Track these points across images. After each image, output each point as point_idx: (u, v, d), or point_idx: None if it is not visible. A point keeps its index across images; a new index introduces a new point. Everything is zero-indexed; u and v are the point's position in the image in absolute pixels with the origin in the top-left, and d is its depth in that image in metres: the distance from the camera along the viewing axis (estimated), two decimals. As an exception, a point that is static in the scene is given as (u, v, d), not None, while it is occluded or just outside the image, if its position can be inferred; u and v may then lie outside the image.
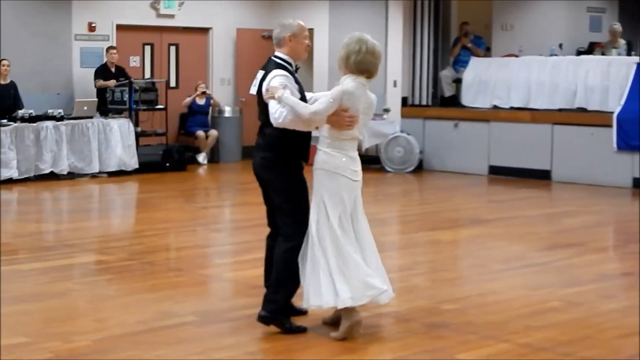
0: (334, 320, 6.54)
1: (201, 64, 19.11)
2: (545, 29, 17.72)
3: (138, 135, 16.61)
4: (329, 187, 6.37)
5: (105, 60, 17.16)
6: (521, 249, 10.11)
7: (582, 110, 15.90)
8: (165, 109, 17.22)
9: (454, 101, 18.15)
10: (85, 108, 16.07)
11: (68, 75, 17.34)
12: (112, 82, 16.77)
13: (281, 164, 6.43)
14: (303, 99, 6.42)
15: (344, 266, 6.30)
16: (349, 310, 6.32)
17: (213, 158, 18.44)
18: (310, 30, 6.82)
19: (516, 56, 17.31)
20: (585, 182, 15.23)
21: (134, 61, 18.35)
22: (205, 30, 19.08)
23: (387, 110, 17.37)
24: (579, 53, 17.40)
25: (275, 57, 6.55)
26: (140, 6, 18.09)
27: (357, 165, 6.49)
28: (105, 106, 16.66)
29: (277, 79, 6.33)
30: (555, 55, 16.82)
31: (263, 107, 6.41)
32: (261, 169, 6.54)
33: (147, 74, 18.42)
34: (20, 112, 15.34)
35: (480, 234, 10.96)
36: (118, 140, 16.11)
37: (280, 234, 6.52)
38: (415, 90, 18.13)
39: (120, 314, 7.09)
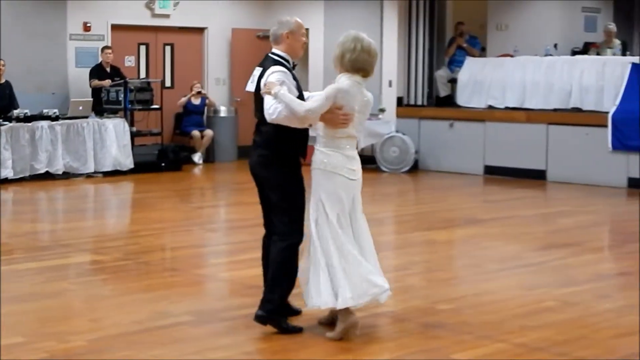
0: (330, 320, 6.55)
1: (196, 63, 19.11)
2: (540, 29, 17.73)
3: (133, 135, 16.60)
4: (326, 186, 6.37)
5: (100, 60, 17.15)
6: (516, 249, 10.11)
7: (577, 110, 15.91)
8: (160, 108, 17.21)
9: (449, 101, 18.16)
10: (81, 108, 16.06)
11: (63, 75, 17.32)
12: (107, 82, 16.76)
13: (278, 161, 6.43)
14: (301, 96, 6.42)
15: (346, 264, 6.30)
16: (346, 312, 6.32)
17: (208, 158, 18.44)
18: (306, 30, 6.79)
19: (511, 56, 17.33)
20: (580, 182, 15.25)
21: (129, 61, 18.34)
22: (200, 30, 19.08)
23: (382, 110, 17.37)
24: (574, 53, 17.41)
25: (273, 54, 6.55)
26: (135, 6, 18.08)
27: (355, 164, 6.48)
28: (101, 106, 16.65)
29: (275, 75, 6.34)
30: (550, 55, 16.84)
31: (260, 105, 6.40)
32: (258, 166, 6.52)
33: (143, 74, 18.41)
34: (16, 112, 15.33)
35: (475, 234, 10.97)
36: (113, 140, 16.10)
37: (275, 232, 6.51)
38: (411, 90, 18.14)
39: (116, 314, 7.09)
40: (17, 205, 13.26)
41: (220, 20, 19.06)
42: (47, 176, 15.29)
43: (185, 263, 9.30)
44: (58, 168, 15.46)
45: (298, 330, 6.51)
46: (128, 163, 16.27)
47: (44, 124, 15.36)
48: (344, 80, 6.40)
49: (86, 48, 17.50)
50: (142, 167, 16.47)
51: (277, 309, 6.50)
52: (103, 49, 17.14)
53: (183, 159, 17.50)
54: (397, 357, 6.13)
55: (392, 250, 10.08)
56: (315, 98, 6.35)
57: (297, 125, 6.30)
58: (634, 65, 15.16)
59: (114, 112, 16.70)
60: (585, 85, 15.82)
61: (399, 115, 17.76)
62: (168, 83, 18.74)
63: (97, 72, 16.95)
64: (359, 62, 6.39)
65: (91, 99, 16.58)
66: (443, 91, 18.40)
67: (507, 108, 16.77)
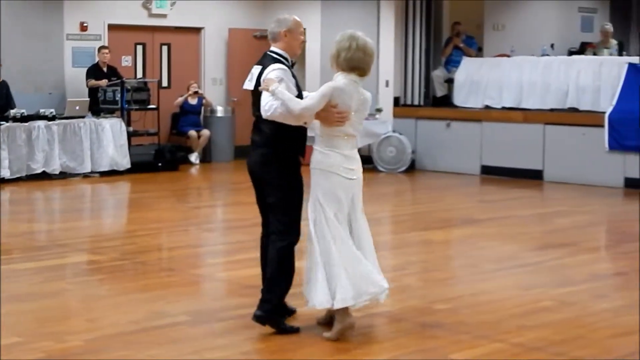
0: (328, 320, 6.54)
1: (193, 63, 19.10)
2: (536, 29, 17.74)
3: (130, 135, 16.59)
4: (323, 186, 6.36)
5: (97, 60, 17.13)
6: (513, 248, 10.12)
7: (573, 110, 15.92)
8: (157, 108, 17.20)
9: (446, 101, 18.17)
10: (77, 108, 16.05)
11: (60, 74, 17.31)
12: (104, 82, 16.75)
13: (279, 160, 6.42)
14: (300, 95, 6.41)
15: (346, 263, 6.29)
16: (343, 312, 6.32)
17: (205, 158, 18.43)
18: (304, 29, 6.79)
19: (508, 56, 17.33)
20: (577, 182, 15.25)
21: (126, 61, 18.33)
22: (197, 30, 19.07)
23: (379, 110, 17.37)
24: (571, 53, 17.43)
25: (272, 52, 6.55)
26: (132, 6, 18.08)
27: (353, 164, 6.47)
28: (97, 106, 16.64)
29: (274, 72, 6.33)
30: (547, 55, 16.84)
31: (258, 102, 6.38)
32: (259, 165, 6.51)
33: (139, 74, 18.40)
34: (12, 112, 15.32)
35: (472, 234, 10.97)
36: (110, 140, 16.09)
37: (273, 232, 6.51)
38: (408, 90, 18.15)
39: (113, 313, 7.08)
40: (14, 205, 13.25)
41: (217, 20, 19.06)
42: (44, 176, 15.29)
43: (182, 263, 9.30)
44: (55, 168, 15.46)
45: (295, 331, 6.51)
46: (125, 163, 16.27)
47: (41, 123, 15.36)
48: (340, 79, 6.40)
49: (83, 48, 17.48)
50: (139, 167, 16.46)
51: (275, 309, 6.50)
52: (100, 48, 17.13)
53: (180, 159, 17.49)
54: (394, 357, 6.13)
55: (389, 250, 10.07)
56: (311, 96, 6.36)
57: (293, 123, 6.30)
58: (630, 65, 15.17)
59: (110, 112, 16.69)
60: (582, 85, 15.82)
61: (395, 115, 17.77)
62: (165, 83, 18.73)
63: (94, 72, 16.94)
64: (354, 61, 6.38)
65: (88, 99, 16.58)
66: (440, 91, 18.40)
67: (503, 108, 16.78)
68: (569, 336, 6.56)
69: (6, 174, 14.72)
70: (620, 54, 16.72)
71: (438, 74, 18.38)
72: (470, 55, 18.05)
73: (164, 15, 18.48)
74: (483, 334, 6.57)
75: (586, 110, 15.70)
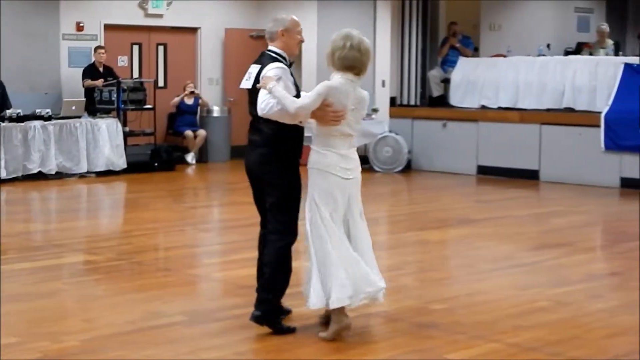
0: (326, 319, 6.53)
1: (189, 63, 19.09)
2: (533, 29, 17.76)
3: (126, 135, 16.58)
4: (320, 185, 6.36)
5: (93, 59, 17.12)
6: (509, 248, 10.12)
7: (570, 110, 15.94)
8: (153, 108, 17.20)
9: (442, 101, 18.18)
10: (73, 108, 16.04)
11: (56, 74, 17.30)
12: (100, 82, 16.74)
13: (279, 160, 6.42)
14: (298, 94, 6.41)
15: (343, 263, 6.28)
16: (339, 313, 6.32)
17: (201, 158, 18.43)
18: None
19: (504, 56, 17.36)
20: (573, 182, 15.27)
21: (122, 61, 18.32)
22: (193, 30, 19.06)
23: (375, 110, 17.37)
24: (567, 53, 17.45)
25: (270, 51, 6.55)
26: (128, 6, 18.06)
27: (350, 163, 6.46)
28: (93, 106, 16.63)
29: (273, 70, 6.33)
30: (543, 55, 16.86)
31: (256, 102, 6.38)
32: (259, 165, 6.50)
33: (135, 74, 18.38)
34: (8, 112, 15.30)
35: (468, 234, 10.97)
36: (106, 140, 16.08)
37: (271, 232, 6.50)
38: (404, 90, 18.15)
39: (109, 314, 7.08)
40: (10, 205, 13.24)
41: (214, 20, 19.05)
42: (40, 176, 15.27)
43: (178, 263, 9.30)
44: (51, 168, 15.44)
45: (291, 331, 6.51)
46: (121, 163, 16.26)
47: (37, 123, 15.34)
48: (337, 79, 6.39)
49: (79, 48, 17.47)
50: (135, 167, 16.45)
51: (273, 309, 6.50)
52: (96, 48, 17.12)
53: (176, 159, 17.48)
54: (390, 357, 6.13)
55: (385, 250, 10.07)
56: (307, 95, 6.35)
57: (288, 121, 6.29)
58: (626, 65, 15.19)
59: (106, 112, 16.68)
60: (578, 85, 15.84)
61: (392, 115, 17.77)
62: (161, 83, 18.72)
63: (90, 72, 16.93)
64: (348, 60, 6.36)
65: (84, 99, 16.57)
66: (436, 91, 18.42)
67: (500, 108, 16.79)
68: (564, 336, 6.57)
69: (2, 174, 14.70)
70: (616, 54, 16.75)
71: (434, 74, 18.40)
72: (466, 55, 18.07)
73: (160, 15, 18.47)
74: (479, 334, 6.57)
75: (582, 110, 15.72)
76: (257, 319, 6.49)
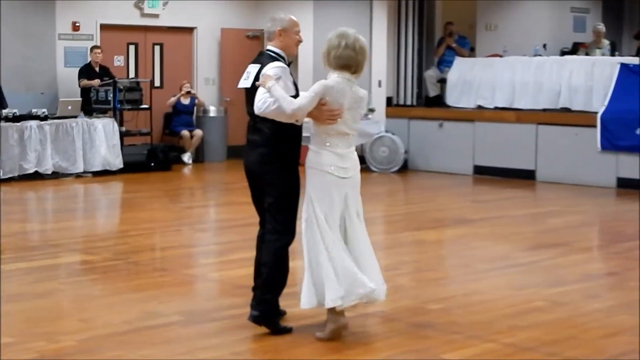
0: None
1: (186, 63, 19.09)
2: (529, 29, 17.77)
3: (122, 135, 16.58)
4: (316, 185, 6.35)
5: (89, 59, 17.11)
6: (506, 248, 10.13)
7: (566, 110, 15.95)
8: (149, 108, 17.19)
9: (439, 101, 18.18)
10: (70, 107, 16.04)
11: (52, 74, 17.29)
12: (96, 82, 16.73)
13: (279, 160, 6.41)
14: (297, 93, 6.40)
15: (334, 263, 6.26)
16: (335, 313, 6.32)
17: (198, 158, 18.42)
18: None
19: (500, 56, 17.35)
20: (569, 182, 15.28)
21: (118, 61, 18.32)
22: (189, 30, 19.06)
23: (372, 110, 17.37)
24: (563, 53, 17.46)
25: (268, 50, 6.55)
26: (124, 6, 18.06)
27: (347, 162, 6.42)
28: (90, 106, 16.62)
29: (273, 69, 6.32)
30: (540, 55, 16.87)
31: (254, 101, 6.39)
32: (259, 165, 6.48)
33: (132, 74, 18.38)
34: (4, 112, 15.29)
35: (465, 234, 10.98)
36: (102, 140, 16.07)
37: (270, 232, 6.50)
38: (400, 90, 18.16)
39: (106, 314, 7.08)
40: (6, 205, 13.21)
41: (210, 20, 19.05)
42: (36, 176, 15.27)
43: (174, 263, 9.29)
44: (47, 168, 15.44)
45: (288, 331, 6.51)
46: (117, 163, 16.25)
47: (33, 123, 15.34)
48: (333, 78, 6.38)
49: (75, 48, 17.46)
50: (131, 167, 16.45)
51: (272, 309, 6.50)
52: (92, 48, 17.11)
53: (172, 159, 17.48)
54: (386, 357, 6.14)
55: (382, 250, 10.05)
56: (304, 94, 6.34)
57: (285, 120, 6.28)
58: (622, 65, 15.20)
59: (103, 112, 16.68)
60: (575, 85, 15.85)
61: (388, 115, 17.78)
62: (157, 83, 18.72)
63: (86, 71, 16.92)
64: (343, 59, 6.34)
65: (80, 99, 16.56)
66: (432, 91, 18.42)
67: (496, 108, 16.80)
68: (561, 336, 6.57)
69: (-2, 173, 14.72)
70: (612, 54, 16.75)
71: (431, 74, 18.40)
72: (462, 55, 18.07)
73: (156, 15, 18.47)
74: (475, 334, 6.58)
75: (578, 111, 15.73)
76: (256, 319, 6.49)
